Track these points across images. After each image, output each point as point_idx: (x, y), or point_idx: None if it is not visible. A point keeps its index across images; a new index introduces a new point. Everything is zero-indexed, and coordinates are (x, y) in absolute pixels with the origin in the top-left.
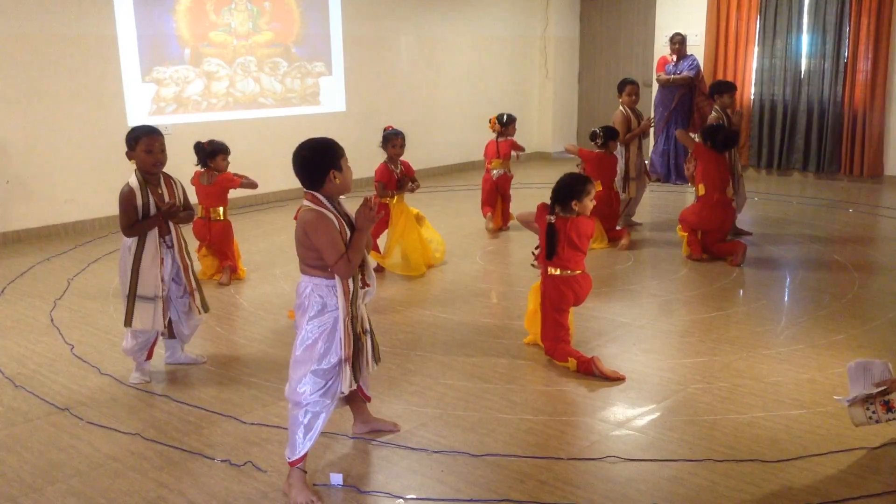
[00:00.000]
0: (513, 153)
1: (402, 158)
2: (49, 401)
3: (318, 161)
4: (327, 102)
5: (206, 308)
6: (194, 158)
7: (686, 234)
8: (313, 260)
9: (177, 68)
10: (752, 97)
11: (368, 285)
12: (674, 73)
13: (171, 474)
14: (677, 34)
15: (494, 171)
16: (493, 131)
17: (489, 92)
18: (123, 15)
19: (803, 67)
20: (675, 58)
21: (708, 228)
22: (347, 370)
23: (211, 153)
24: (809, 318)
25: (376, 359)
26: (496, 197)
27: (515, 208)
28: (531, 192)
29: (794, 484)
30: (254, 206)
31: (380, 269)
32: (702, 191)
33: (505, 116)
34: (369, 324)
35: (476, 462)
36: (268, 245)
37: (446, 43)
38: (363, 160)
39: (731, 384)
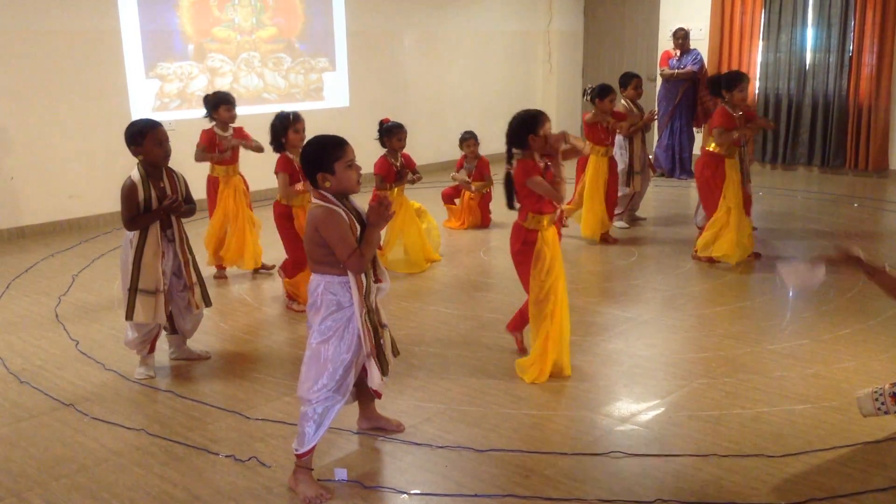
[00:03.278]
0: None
1: (402, 151)
2: (54, 396)
3: (310, 161)
4: (331, 98)
5: (208, 302)
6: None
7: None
8: (324, 256)
9: (180, 64)
10: (757, 91)
11: (381, 281)
12: (677, 68)
13: (175, 470)
14: (680, 29)
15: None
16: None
17: (493, 86)
18: (127, 10)
19: (808, 61)
20: (678, 52)
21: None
22: (374, 364)
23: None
24: (814, 313)
25: (395, 352)
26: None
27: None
28: None
29: (798, 479)
30: (257, 201)
31: None
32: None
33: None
34: (385, 318)
35: (480, 457)
36: (273, 240)
37: (450, 37)
38: (367, 155)
39: (735, 379)
